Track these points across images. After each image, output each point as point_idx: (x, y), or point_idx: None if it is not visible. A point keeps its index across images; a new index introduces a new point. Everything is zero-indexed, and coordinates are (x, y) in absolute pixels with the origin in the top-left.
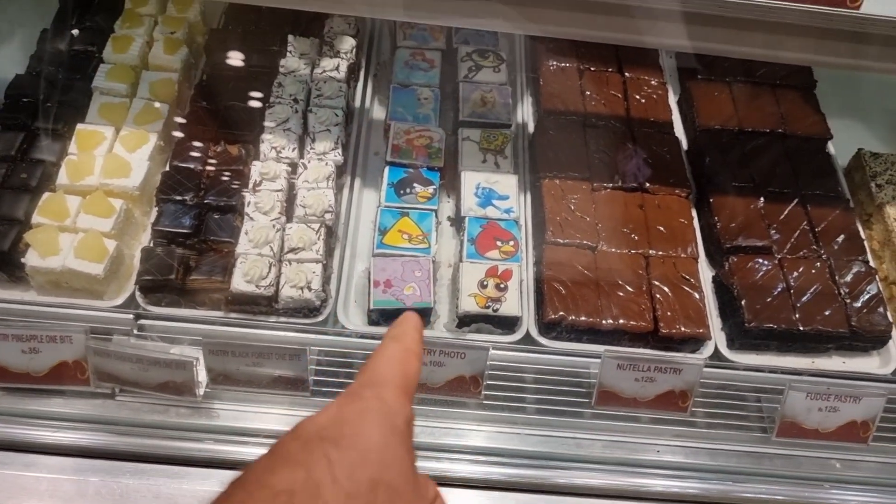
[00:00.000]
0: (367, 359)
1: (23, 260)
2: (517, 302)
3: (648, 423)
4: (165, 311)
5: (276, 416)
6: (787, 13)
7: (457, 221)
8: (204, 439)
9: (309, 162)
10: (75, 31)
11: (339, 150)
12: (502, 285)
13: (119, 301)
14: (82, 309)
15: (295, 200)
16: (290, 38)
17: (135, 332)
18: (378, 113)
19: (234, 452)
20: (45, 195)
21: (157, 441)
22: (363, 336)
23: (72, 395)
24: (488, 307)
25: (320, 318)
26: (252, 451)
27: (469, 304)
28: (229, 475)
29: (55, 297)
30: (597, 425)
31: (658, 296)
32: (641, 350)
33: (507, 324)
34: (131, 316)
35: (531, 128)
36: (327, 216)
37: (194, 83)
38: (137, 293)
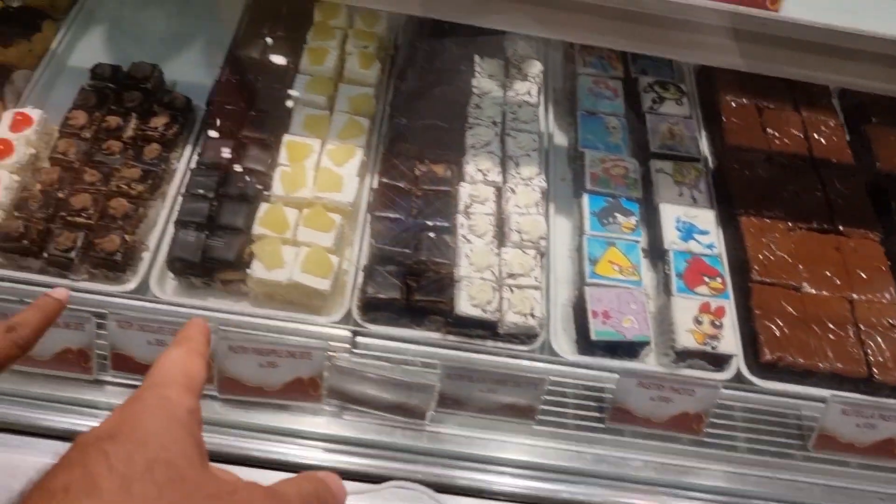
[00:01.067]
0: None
1: (248, 271)
2: (733, 340)
3: (865, 468)
4: (385, 330)
5: (498, 442)
6: None
7: (656, 254)
8: (431, 463)
9: (516, 187)
10: (269, 40)
11: (543, 176)
12: (717, 322)
13: (337, 317)
14: (299, 322)
15: (506, 225)
16: (477, 58)
17: (352, 349)
18: (559, 138)
19: (461, 477)
20: (263, 206)
21: (384, 462)
22: (578, 365)
23: (296, 411)
24: (706, 344)
25: (535, 345)
26: (476, 477)
27: (688, 340)
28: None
29: (267, 308)
30: (812, 468)
31: (868, 340)
32: (867, 397)
33: (720, 361)
34: (349, 333)
35: (709, 161)
36: (542, 242)
37: (388, 99)
38: (356, 310)
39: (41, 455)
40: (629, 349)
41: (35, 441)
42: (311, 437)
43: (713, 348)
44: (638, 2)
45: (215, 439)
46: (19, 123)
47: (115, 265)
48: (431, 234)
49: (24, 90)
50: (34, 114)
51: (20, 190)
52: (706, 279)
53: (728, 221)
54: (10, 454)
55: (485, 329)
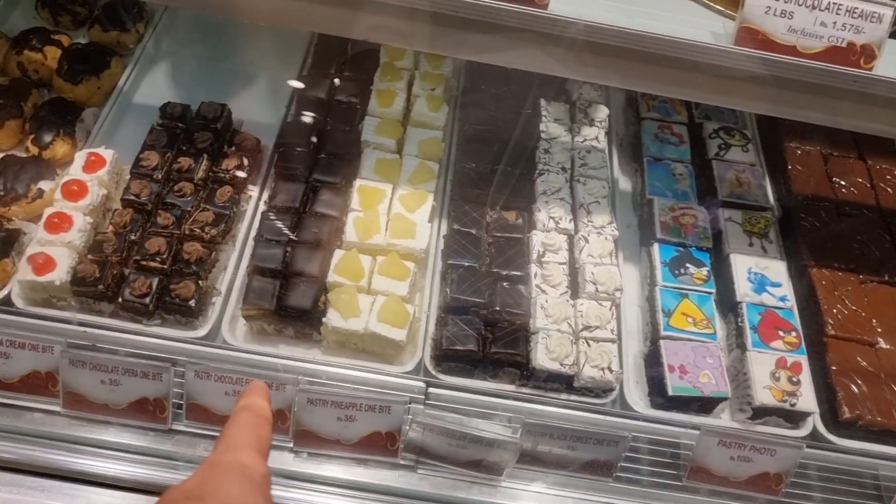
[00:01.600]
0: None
1: (324, 319)
2: (811, 397)
3: None
4: (458, 381)
5: (574, 500)
6: None
7: (727, 306)
8: None
9: (588, 235)
10: (336, 81)
11: (615, 224)
12: (794, 378)
13: (410, 367)
14: (373, 372)
15: (580, 275)
16: (543, 101)
17: (425, 400)
18: (623, 184)
19: None
20: (339, 253)
21: None
22: (656, 420)
23: (370, 465)
24: (785, 401)
25: (608, 399)
26: None
27: (766, 397)
28: None
29: (338, 356)
30: None
31: None
32: None
33: (796, 418)
34: (422, 384)
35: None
36: (617, 294)
37: (456, 142)
38: (429, 360)
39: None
40: (705, 404)
41: (103, 491)
42: (385, 491)
43: (792, 405)
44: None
45: (288, 493)
46: (93, 164)
47: (190, 311)
48: (506, 284)
49: (92, 128)
50: (106, 154)
51: (93, 232)
52: (781, 333)
53: (798, 273)
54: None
55: (560, 383)
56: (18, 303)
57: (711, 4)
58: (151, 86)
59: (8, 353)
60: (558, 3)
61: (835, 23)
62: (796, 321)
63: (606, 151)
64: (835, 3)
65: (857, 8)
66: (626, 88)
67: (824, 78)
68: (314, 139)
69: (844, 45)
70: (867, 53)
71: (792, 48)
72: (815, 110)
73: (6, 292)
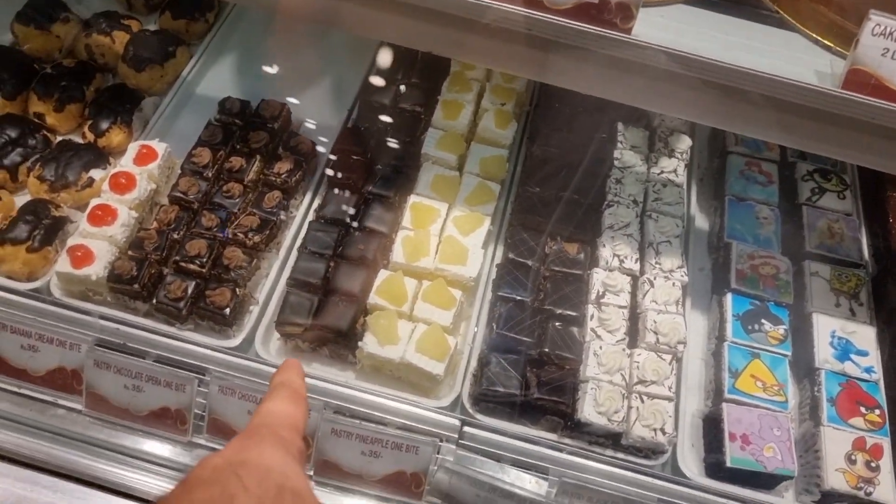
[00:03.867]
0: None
1: (360, 344)
2: (892, 487)
3: None
4: (496, 423)
5: None
6: None
7: (804, 371)
8: None
9: (655, 279)
10: (402, 87)
11: (685, 269)
12: (873, 464)
13: (446, 402)
14: (406, 404)
15: (640, 322)
16: (621, 126)
17: (458, 439)
18: (700, 221)
19: None
20: (383, 273)
21: None
22: (708, 491)
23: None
24: (860, 488)
25: (658, 462)
26: None
27: (837, 481)
28: None
29: (374, 382)
30: None
31: None
32: None
33: None
34: (457, 422)
35: (870, 266)
36: (679, 347)
37: (520, 162)
38: (467, 398)
39: None
40: (767, 481)
41: (115, 500)
42: None
43: (868, 494)
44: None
45: None
46: (144, 157)
47: (223, 320)
48: (558, 324)
49: (150, 118)
50: (159, 148)
51: (136, 226)
52: (863, 409)
53: (890, 342)
54: None
55: (607, 438)
56: (56, 293)
57: (820, 39)
58: (214, 78)
59: (36, 347)
60: (645, 27)
61: None
62: (882, 398)
63: (685, 186)
64: None
65: None
66: (711, 126)
67: None
68: (372, 148)
69: None
70: None
71: None
72: None
73: (45, 281)
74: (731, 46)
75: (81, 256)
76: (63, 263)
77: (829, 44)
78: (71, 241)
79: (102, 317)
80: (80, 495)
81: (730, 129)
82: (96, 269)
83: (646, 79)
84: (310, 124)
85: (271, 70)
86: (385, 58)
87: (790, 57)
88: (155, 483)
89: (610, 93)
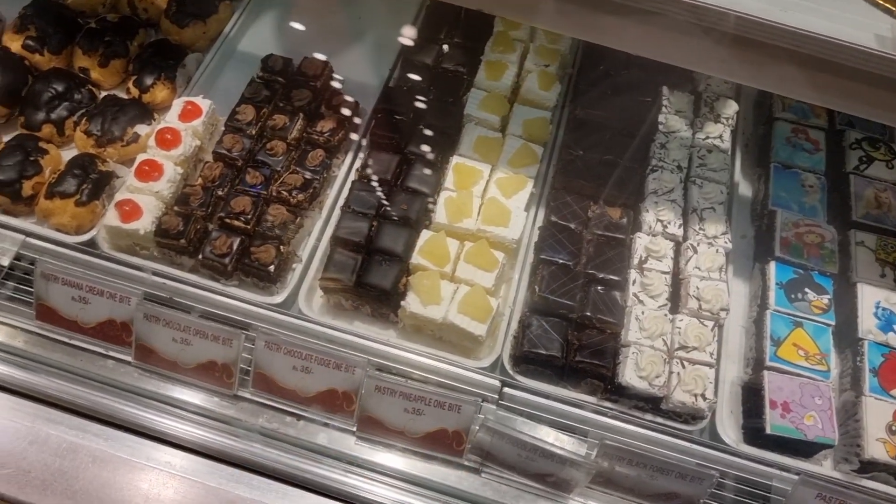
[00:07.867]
0: None
1: (403, 303)
2: None
3: None
4: (536, 385)
5: None
6: None
7: (847, 341)
8: None
9: (698, 245)
10: (445, 47)
11: (729, 236)
12: None
13: (487, 363)
14: (447, 363)
15: (683, 288)
16: (666, 90)
17: (499, 400)
18: (744, 188)
19: None
20: (425, 234)
21: None
22: (748, 457)
23: (435, 461)
24: None
25: (697, 427)
26: None
27: (877, 451)
28: None
29: (415, 341)
30: None
31: None
32: None
33: None
34: (497, 383)
35: None
36: (722, 314)
37: (563, 125)
38: (507, 359)
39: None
40: (806, 449)
41: (163, 448)
42: (445, 491)
43: None
44: None
45: (347, 478)
46: (189, 113)
47: (268, 276)
48: (600, 288)
49: (193, 74)
50: (203, 104)
51: (182, 183)
52: None
53: None
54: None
55: (647, 402)
56: (104, 246)
57: (880, 2)
58: (257, 35)
59: (87, 299)
60: None
61: None
62: None
63: (730, 152)
64: None
65: None
66: (764, 90)
67: None
68: (414, 108)
69: None
70: None
71: None
72: None
73: (93, 234)
74: (788, 7)
75: (129, 211)
76: (111, 217)
77: (890, 6)
78: (118, 196)
79: (153, 272)
80: (128, 443)
81: (783, 94)
82: (144, 224)
83: (697, 39)
84: (352, 82)
85: (314, 26)
86: (429, 16)
87: (850, 20)
88: (200, 434)
89: (661, 54)
